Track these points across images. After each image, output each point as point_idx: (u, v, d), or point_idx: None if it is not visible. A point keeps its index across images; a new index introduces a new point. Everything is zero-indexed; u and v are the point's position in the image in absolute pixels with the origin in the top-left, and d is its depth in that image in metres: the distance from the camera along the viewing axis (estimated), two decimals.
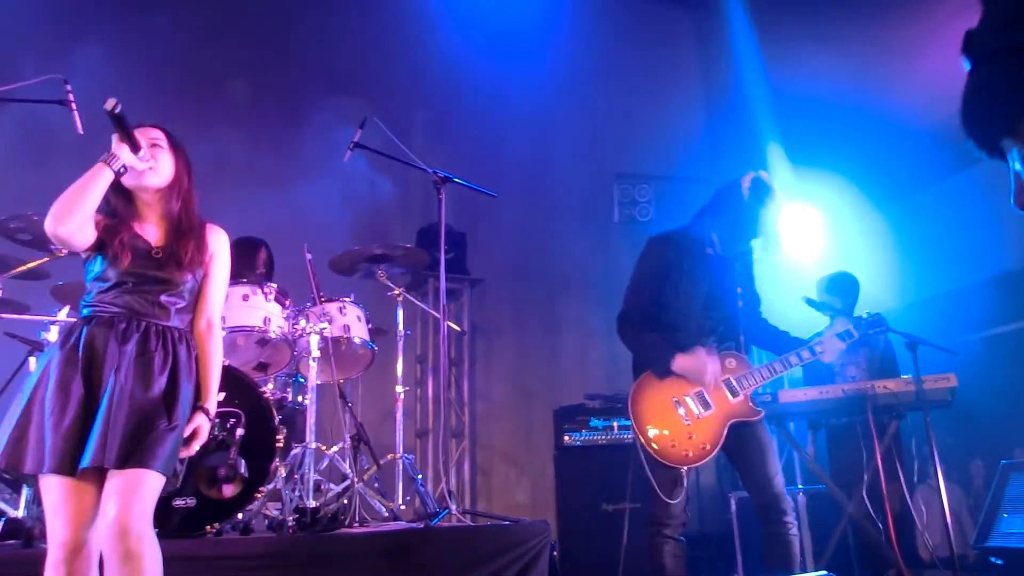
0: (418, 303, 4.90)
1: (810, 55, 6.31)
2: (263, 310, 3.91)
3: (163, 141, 2.38)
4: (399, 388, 4.44)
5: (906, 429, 4.30)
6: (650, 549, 3.00)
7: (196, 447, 2.32)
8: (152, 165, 2.31)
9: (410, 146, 3.96)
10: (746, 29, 6.79)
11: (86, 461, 2.02)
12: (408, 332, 4.64)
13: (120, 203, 2.35)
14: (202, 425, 2.33)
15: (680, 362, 3.01)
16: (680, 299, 3.12)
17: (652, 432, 2.98)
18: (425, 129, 6.49)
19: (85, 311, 2.27)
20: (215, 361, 2.43)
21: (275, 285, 4.02)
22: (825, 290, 4.57)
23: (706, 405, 3.01)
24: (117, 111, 2.19)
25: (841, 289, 4.63)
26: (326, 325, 3.96)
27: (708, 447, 2.97)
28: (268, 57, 6.00)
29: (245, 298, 3.88)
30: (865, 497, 3.87)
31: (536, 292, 6.89)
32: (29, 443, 2.06)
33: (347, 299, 4.24)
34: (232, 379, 3.47)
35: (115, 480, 2.07)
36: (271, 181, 5.78)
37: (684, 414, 2.99)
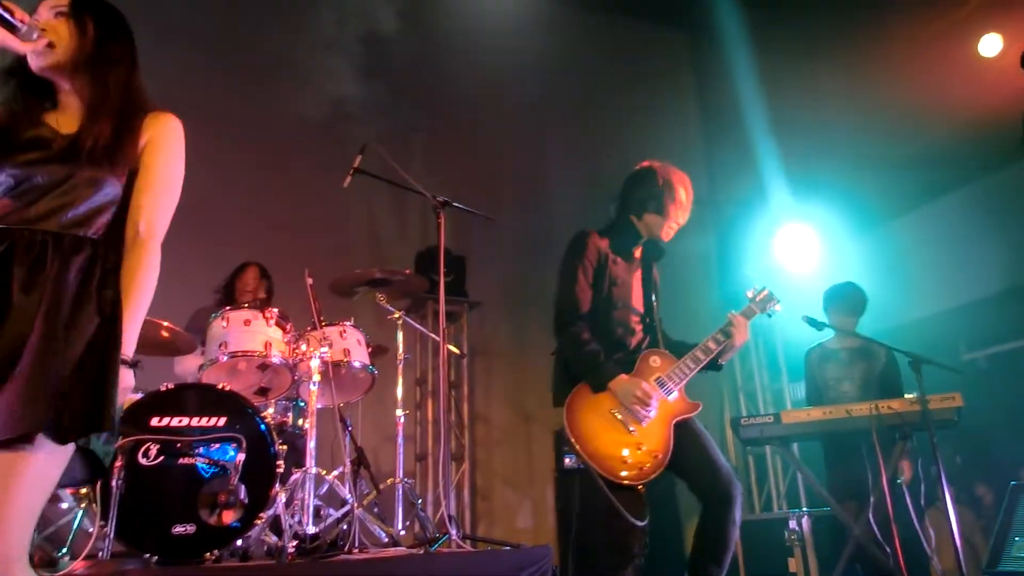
0: (417, 326, 4.86)
1: (806, 74, 6.35)
2: (264, 335, 3.89)
3: (67, 8, 1.81)
4: (399, 412, 4.40)
5: (912, 450, 4.27)
6: None
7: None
8: (40, 43, 1.75)
9: (408, 170, 3.97)
10: (742, 49, 6.84)
11: None
12: (408, 356, 4.60)
13: (30, 93, 1.83)
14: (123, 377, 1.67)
15: (618, 384, 2.81)
16: (611, 301, 2.98)
17: (600, 453, 2.75)
18: (423, 152, 6.50)
19: None
20: (139, 286, 1.73)
21: (276, 310, 4.01)
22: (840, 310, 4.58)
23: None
24: None
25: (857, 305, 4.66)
26: (327, 349, 3.94)
27: (660, 455, 2.78)
28: (271, 85, 6.02)
29: (247, 323, 3.87)
30: (871, 520, 3.83)
31: (535, 314, 6.85)
32: None
33: (347, 323, 4.22)
34: (233, 404, 3.45)
35: None
36: (273, 205, 5.80)
37: (629, 425, 2.80)
